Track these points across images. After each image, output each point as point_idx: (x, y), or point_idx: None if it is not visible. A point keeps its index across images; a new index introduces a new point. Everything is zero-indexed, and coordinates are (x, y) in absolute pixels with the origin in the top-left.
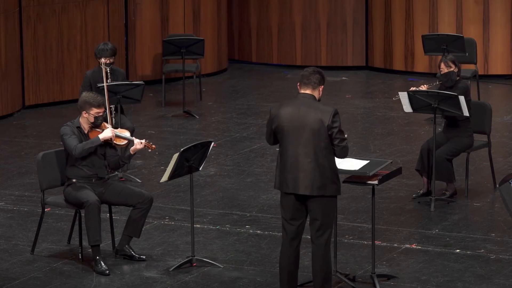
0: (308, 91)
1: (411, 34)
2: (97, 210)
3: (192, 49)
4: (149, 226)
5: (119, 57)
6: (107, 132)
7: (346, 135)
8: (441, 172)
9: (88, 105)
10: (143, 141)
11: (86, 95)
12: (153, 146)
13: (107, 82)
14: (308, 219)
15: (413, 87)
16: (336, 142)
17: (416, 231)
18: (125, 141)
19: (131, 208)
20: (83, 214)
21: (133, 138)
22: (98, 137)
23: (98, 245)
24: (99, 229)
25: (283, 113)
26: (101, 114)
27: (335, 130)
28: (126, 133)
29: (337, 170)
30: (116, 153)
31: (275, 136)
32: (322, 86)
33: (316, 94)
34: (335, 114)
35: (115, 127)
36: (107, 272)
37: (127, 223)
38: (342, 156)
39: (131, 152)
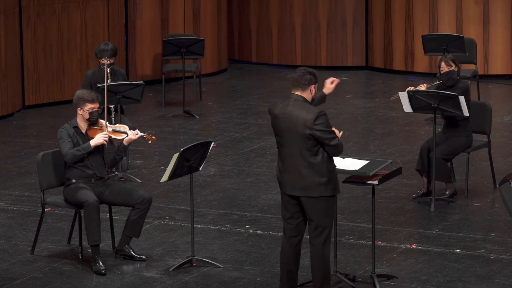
0: (298, 92)
1: (411, 34)
2: (96, 210)
3: (192, 49)
4: (149, 226)
5: (119, 57)
6: (99, 139)
7: (341, 132)
8: (439, 172)
9: (82, 101)
10: (139, 132)
11: (79, 92)
12: (153, 137)
13: (107, 83)
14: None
15: (412, 86)
16: (326, 142)
17: (416, 231)
18: (124, 135)
19: (131, 208)
20: (83, 214)
21: (131, 131)
22: (89, 144)
23: (98, 245)
24: (98, 229)
25: (275, 113)
26: (95, 110)
27: (319, 133)
28: (124, 127)
29: (325, 171)
30: (113, 149)
31: None
32: (313, 86)
33: (307, 94)
34: (318, 117)
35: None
36: (103, 271)
37: (127, 223)
38: (337, 153)
39: (125, 143)
